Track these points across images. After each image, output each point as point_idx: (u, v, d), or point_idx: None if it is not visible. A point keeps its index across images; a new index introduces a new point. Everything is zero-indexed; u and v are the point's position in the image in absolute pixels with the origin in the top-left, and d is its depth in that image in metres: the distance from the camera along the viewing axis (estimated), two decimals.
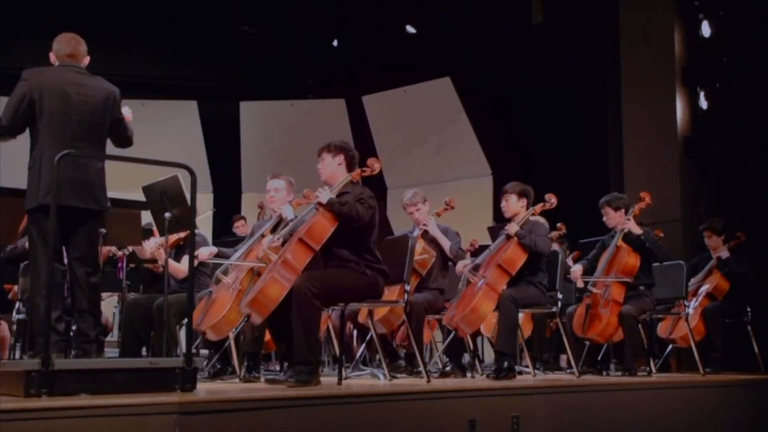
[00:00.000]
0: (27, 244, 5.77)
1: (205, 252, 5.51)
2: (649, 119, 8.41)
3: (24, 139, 4.18)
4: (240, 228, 8.38)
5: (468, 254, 6.21)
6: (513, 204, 5.60)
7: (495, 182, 10.24)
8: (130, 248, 5.82)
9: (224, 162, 11.26)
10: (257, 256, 5.02)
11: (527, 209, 5.60)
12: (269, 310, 4.21)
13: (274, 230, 5.28)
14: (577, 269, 5.95)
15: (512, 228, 5.44)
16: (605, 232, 6.23)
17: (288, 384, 4.03)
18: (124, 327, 5.70)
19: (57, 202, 3.93)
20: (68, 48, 4.29)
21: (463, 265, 5.67)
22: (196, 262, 5.57)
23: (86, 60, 4.36)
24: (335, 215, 4.31)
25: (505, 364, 5.10)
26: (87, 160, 4.11)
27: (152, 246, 5.67)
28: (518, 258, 5.34)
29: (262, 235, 5.29)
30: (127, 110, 4.50)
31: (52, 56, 4.31)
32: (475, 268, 5.53)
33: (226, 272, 5.24)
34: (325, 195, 4.39)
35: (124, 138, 4.41)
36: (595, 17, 9.36)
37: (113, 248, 5.89)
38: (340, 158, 4.62)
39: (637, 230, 5.83)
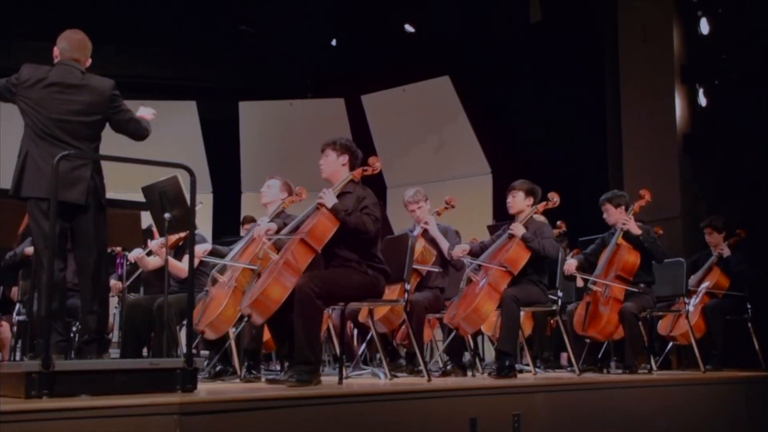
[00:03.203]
0: (26, 251, 5.81)
1: (200, 250, 5.48)
2: (648, 117, 8.41)
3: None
4: (249, 230, 8.32)
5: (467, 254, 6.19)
6: (519, 201, 5.58)
7: (494, 181, 10.25)
8: (133, 259, 5.84)
9: (224, 162, 11.25)
10: (257, 255, 5.02)
11: (532, 208, 5.60)
12: (271, 311, 4.22)
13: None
14: (571, 263, 5.89)
15: (518, 230, 5.40)
16: (605, 230, 6.22)
17: (289, 384, 4.03)
18: (125, 328, 5.69)
19: (32, 193, 3.96)
20: (75, 52, 4.26)
21: (462, 250, 5.56)
22: (197, 261, 5.58)
23: (88, 62, 4.34)
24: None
25: (507, 362, 5.11)
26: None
27: (155, 246, 5.67)
28: (521, 258, 5.33)
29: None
30: (146, 110, 4.48)
31: (55, 50, 4.28)
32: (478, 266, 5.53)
33: (222, 271, 5.24)
34: (329, 199, 4.37)
35: (132, 131, 4.33)
36: (594, 15, 9.36)
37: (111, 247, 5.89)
38: (345, 158, 4.60)
39: (636, 230, 5.81)
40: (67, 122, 4.09)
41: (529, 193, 5.58)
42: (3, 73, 4.33)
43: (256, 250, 5.06)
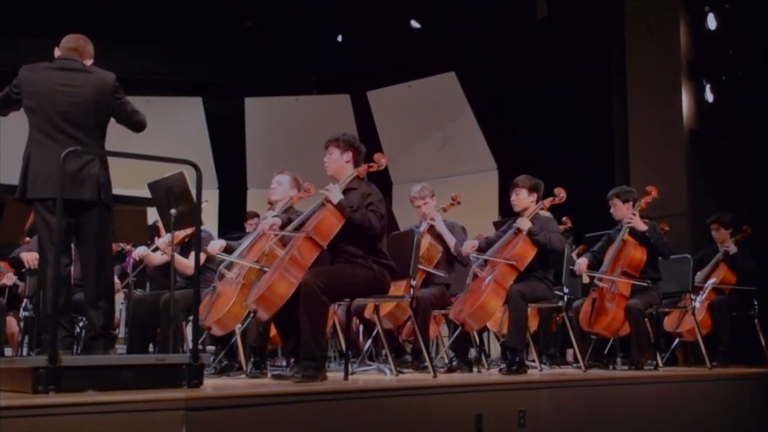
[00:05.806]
0: (19, 256, 5.86)
1: (216, 246, 5.50)
2: (655, 113, 8.38)
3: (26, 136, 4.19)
4: (253, 226, 8.34)
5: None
6: (523, 198, 5.55)
7: (500, 177, 10.24)
8: (138, 257, 5.85)
9: (229, 158, 11.27)
10: (263, 251, 5.02)
11: (537, 204, 5.58)
12: (277, 306, 4.22)
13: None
14: (582, 262, 5.91)
15: (524, 224, 5.37)
16: (611, 227, 6.21)
17: (294, 379, 4.04)
18: (131, 323, 5.72)
19: (38, 195, 3.98)
20: (74, 43, 4.31)
21: (471, 246, 5.55)
22: (204, 257, 5.60)
23: (89, 62, 4.35)
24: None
25: (516, 358, 5.11)
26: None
27: (163, 244, 5.69)
28: (527, 254, 5.30)
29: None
30: None
31: (56, 51, 4.32)
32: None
33: (229, 267, 5.24)
34: (335, 194, 4.36)
35: (133, 122, 4.34)
36: (600, 10, 9.33)
37: (122, 244, 5.92)
38: (349, 155, 4.59)
39: (642, 227, 5.80)
40: (74, 114, 4.11)
41: (532, 189, 5.55)
42: (8, 70, 4.35)
43: (263, 246, 5.06)
